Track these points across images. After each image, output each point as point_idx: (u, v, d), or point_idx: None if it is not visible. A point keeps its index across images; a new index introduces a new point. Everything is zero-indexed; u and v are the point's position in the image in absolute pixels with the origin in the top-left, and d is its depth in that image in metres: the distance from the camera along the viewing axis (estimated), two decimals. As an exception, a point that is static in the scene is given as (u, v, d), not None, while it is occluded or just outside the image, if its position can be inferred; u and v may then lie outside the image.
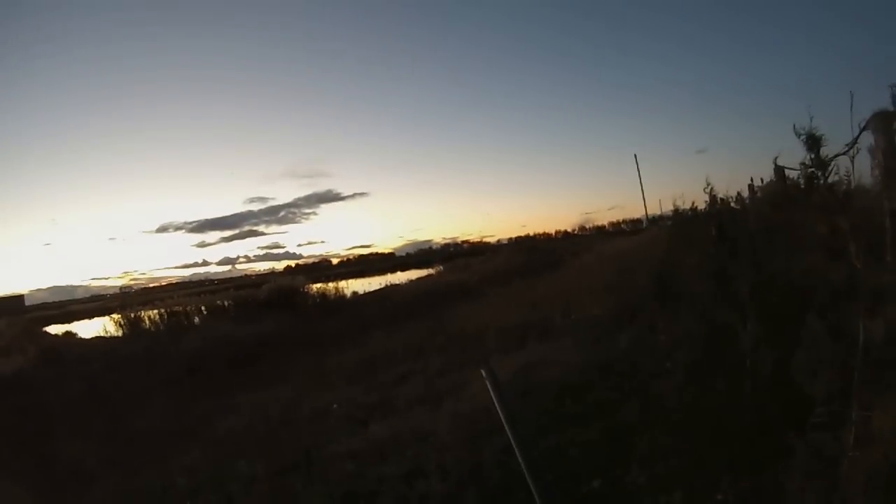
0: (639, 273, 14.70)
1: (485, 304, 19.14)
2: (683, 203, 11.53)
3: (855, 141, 5.11)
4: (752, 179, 7.68)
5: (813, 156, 5.79)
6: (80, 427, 10.28)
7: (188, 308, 26.80)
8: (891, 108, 4.78)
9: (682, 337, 7.59)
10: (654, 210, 45.76)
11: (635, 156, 45.21)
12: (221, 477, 7.00)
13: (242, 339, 18.50)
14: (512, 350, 10.52)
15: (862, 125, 4.93)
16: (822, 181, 5.60)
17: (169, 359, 16.39)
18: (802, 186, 6.36)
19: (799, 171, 6.15)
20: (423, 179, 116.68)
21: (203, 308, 26.98)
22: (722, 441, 4.67)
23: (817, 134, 5.89)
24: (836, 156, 5.30)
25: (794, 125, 6.15)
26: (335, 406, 9.57)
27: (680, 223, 13.90)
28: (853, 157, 5.24)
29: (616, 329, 9.83)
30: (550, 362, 8.84)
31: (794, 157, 6.01)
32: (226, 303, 28.18)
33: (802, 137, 6.13)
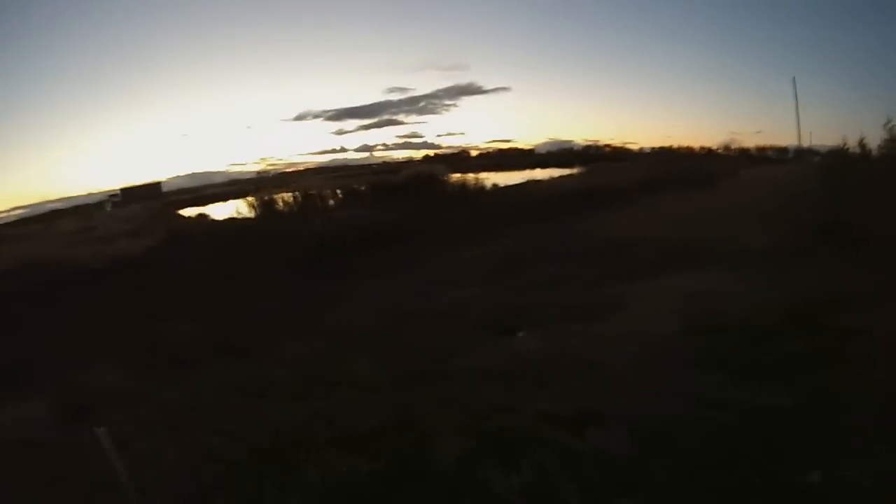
0: (802, 206, 13.35)
1: (632, 213, 17.94)
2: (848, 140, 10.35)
3: None
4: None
5: None
6: (195, 309, 9.89)
7: (322, 192, 26.42)
8: None
9: (879, 289, 6.57)
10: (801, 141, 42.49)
11: (794, 79, 41.00)
12: (334, 378, 6.03)
13: (374, 225, 17.69)
14: (670, 271, 9.54)
15: None
16: None
17: (296, 241, 15.93)
18: None
19: None
20: (566, 78, 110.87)
21: (338, 192, 26.59)
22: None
23: None
24: None
25: None
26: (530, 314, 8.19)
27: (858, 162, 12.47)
28: None
29: (786, 266, 8.75)
30: (720, 295, 7.32)
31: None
32: (361, 187, 27.81)
33: None
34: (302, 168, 67.30)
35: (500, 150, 78.25)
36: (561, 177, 35.85)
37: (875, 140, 12.40)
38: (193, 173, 66.43)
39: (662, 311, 6.92)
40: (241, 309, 9.95)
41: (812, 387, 4.39)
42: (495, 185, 28.86)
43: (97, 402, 6.37)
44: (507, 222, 16.99)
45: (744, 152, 67.13)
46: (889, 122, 11.40)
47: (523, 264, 11.48)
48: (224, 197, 42.03)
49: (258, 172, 66.11)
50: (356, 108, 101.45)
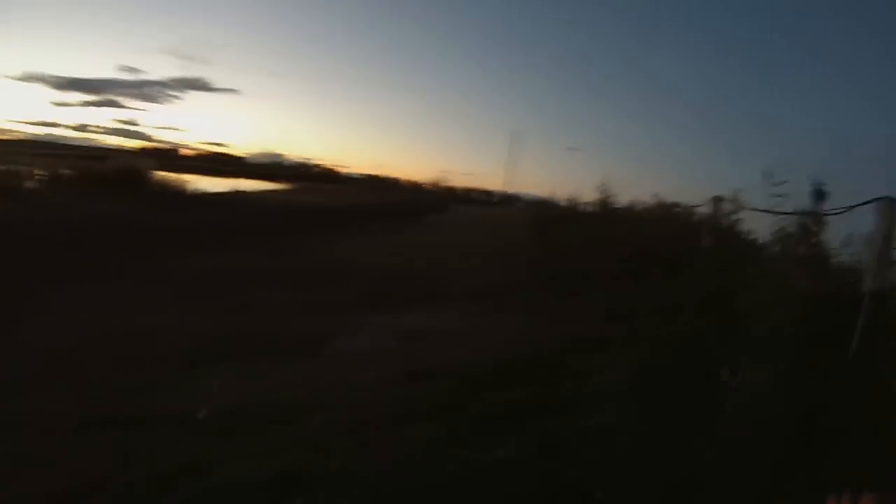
0: (521, 250, 14.12)
1: (350, 239, 17.93)
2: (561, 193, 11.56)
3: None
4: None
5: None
6: None
7: (28, 170, 23.28)
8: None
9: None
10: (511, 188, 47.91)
11: (515, 132, 44.51)
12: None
13: (83, 218, 15.46)
14: (390, 307, 9.40)
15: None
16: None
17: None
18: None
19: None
20: (294, 93, 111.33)
21: (44, 173, 23.38)
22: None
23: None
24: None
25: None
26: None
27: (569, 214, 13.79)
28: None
29: (506, 308, 9.10)
30: (440, 336, 7.64)
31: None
32: (69, 171, 24.38)
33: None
34: (9, 137, 59.15)
35: (214, 154, 75.29)
36: (272, 191, 35.35)
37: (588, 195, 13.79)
38: None
39: (377, 351, 6.77)
40: None
41: (540, 436, 4.31)
42: (209, 191, 27.61)
43: None
44: (221, 233, 16.07)
45: (451, 190, 72.90)
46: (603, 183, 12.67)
47: (235, 283, 10.90)
48: None
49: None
50: (83, 80, 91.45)
